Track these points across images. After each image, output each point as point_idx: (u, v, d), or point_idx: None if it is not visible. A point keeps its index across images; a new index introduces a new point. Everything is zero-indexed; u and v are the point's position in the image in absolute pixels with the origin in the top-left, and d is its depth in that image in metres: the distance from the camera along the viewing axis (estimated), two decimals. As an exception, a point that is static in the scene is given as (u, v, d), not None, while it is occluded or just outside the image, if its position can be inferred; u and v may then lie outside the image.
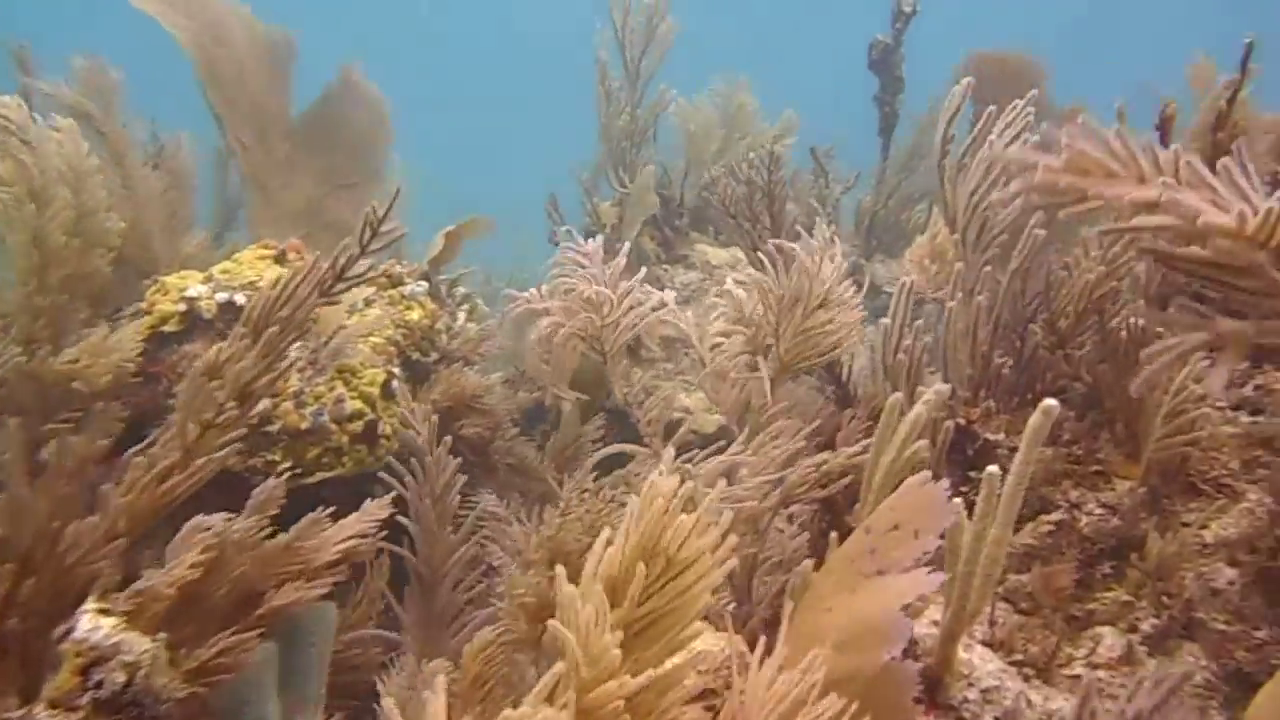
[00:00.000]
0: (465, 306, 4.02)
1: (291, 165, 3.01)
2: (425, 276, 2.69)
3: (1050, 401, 1.02)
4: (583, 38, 4.47)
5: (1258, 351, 1.33)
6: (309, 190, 3.07)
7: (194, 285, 2.06)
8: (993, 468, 1.00)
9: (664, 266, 4.13)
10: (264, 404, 1.80)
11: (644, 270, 4.06)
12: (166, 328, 2.00)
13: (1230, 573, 1.33)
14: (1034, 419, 1.02)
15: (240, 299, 2.00)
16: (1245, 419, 1.36)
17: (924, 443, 1.23)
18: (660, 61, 4.38)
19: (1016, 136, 1.46)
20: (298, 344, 1.95)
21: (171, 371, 1.96)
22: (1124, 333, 1.29)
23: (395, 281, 2.34)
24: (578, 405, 3.33)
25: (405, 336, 2.27)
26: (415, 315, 2.31)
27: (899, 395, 1.23)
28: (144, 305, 2.04)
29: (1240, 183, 0.70)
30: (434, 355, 2.34)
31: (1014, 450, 1.27)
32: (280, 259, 2.20)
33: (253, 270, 2.13)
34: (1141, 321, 1.34)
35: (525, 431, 3.91)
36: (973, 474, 1.34)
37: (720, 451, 1.53)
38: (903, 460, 1.17)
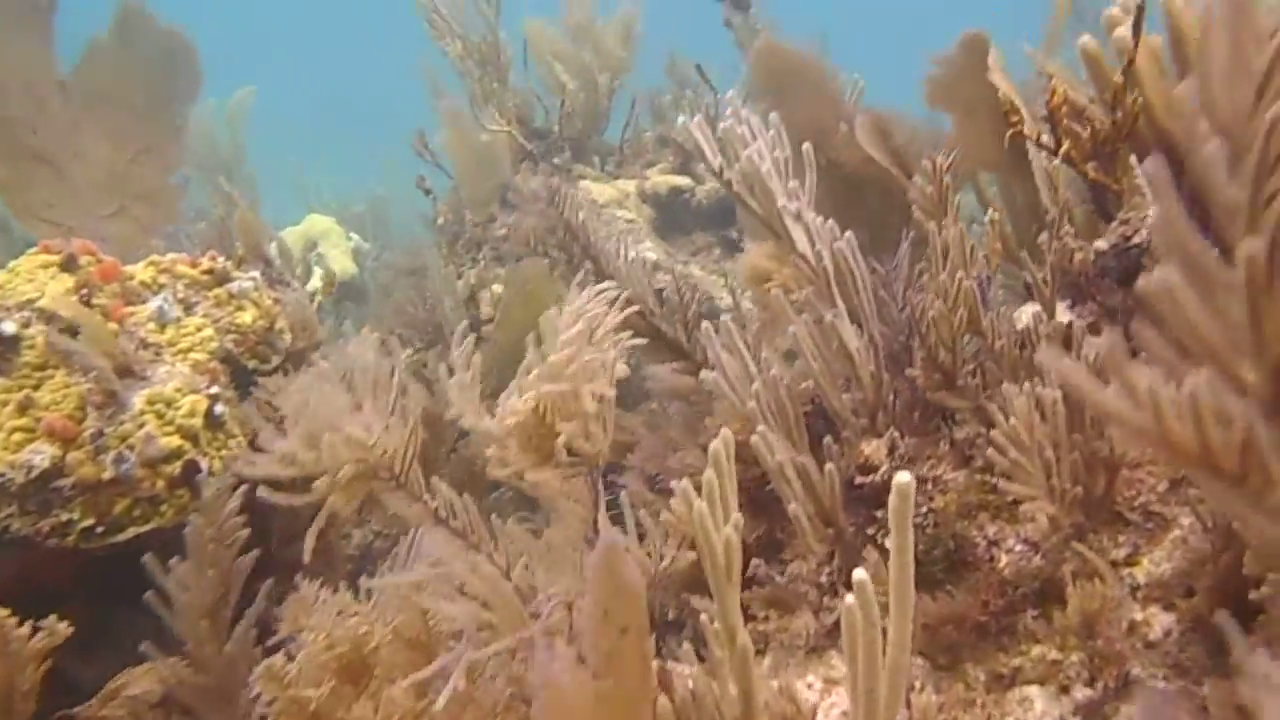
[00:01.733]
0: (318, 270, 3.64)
1: (77, 129, 2.57)
2: (265, 259, 2.35)
3: (904, 476, 0.82)
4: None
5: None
6: (106, 156, 2.64)
7: (-43, 307, 1.70)
8: (850, 599, 0.80)
9: (547, 210, 3.81)
10: (40, 456, 1.50)
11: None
12: (-78, 364, 1.64)
13: (1166, 619, 1.19)
14: (892, 501, 0.82)
15: (11, 327, 1.65)
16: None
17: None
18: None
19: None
20: (90, 373, 1.64)
21: (-66, 418, 1.61)
22: (1013, 348, 1.10)
23: (220, 278, 2.00)
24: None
25: (237, 343, 1.95)
26: (248, 317, 1.99)
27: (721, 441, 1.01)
28: (-107, 336, 1.67)
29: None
30: (275, 360, 2.03)
31: (929, 483, 1.10)
32: (68, 265, 1.83)
33: (32, 284, 1.77)
34: (1030, 326, 1.16)
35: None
36: (879, 513, 1.15)
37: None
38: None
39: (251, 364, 1.98)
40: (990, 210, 1.38)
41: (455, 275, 3.60)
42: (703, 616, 0.95)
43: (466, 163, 3.70)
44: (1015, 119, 1.21)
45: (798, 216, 1.22)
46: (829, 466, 0.97)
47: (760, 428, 1.10)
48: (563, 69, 4.01)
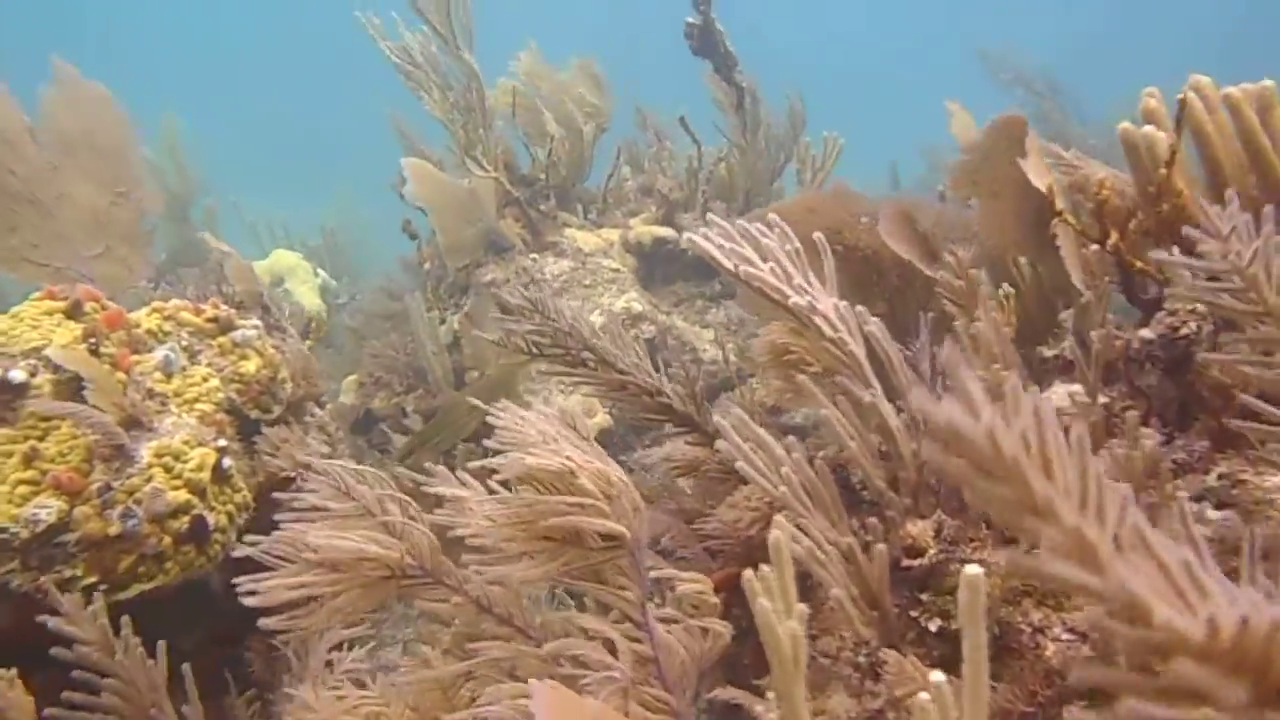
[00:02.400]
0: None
1: (57, 171, 2.54)
2: (262, 305, 2.33)
3: (974, 569, 0.84)
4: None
5: (1219, 433, 1.20)
6: (89, 198, 2.61)
7: (-42, 352, 1.66)
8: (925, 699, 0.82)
9: (532, 256, 3.85)
10: (45, 511, 1.47)
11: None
12: (-78, 411, 1.59)
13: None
14: (963, 596, 0.84)
15: (19, 375, 1.61)
16: (1212, 514, 1.22)
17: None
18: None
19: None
20: (97, 423, 1.62)
21: (-68, 468, 1.57)
22: None
23: (224, 326, 1.98)
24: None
25: (241, 393, 1.93)
26: (251, 366, 1.97)
27: (780, 530, 1.04)
28: (-109, 381, 1.62)
29: (1197, 570, 0.49)
30: (276, 410, 2.01)
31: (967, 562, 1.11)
32: (74, 312, 1.81)
33: (37, 331, 1.74)
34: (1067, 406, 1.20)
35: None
36: (924, 595, 1.16)
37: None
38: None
39: (254, 414, 1.95)
40: (1004, 286, 1.43)
41: (439, 320, 3.60)
42: (759, 708, 0.96)
43: (444, 210, 3.71)
44: (1059, 211, 1.27)
45: (812, 309, 1.25)
46: (880, 548, 1.00)
47: (783, 513, 1.11)
48: (550, 117, 4.05)
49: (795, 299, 1.18)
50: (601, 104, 4.20)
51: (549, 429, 1.07)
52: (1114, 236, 1.22)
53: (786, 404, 1.61)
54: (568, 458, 1.01)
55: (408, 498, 1.13)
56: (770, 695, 1.00)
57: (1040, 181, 1.29)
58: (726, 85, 3.87)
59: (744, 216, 4.03)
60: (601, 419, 3.55)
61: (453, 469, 2.32)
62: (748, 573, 0.88)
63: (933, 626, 1.04)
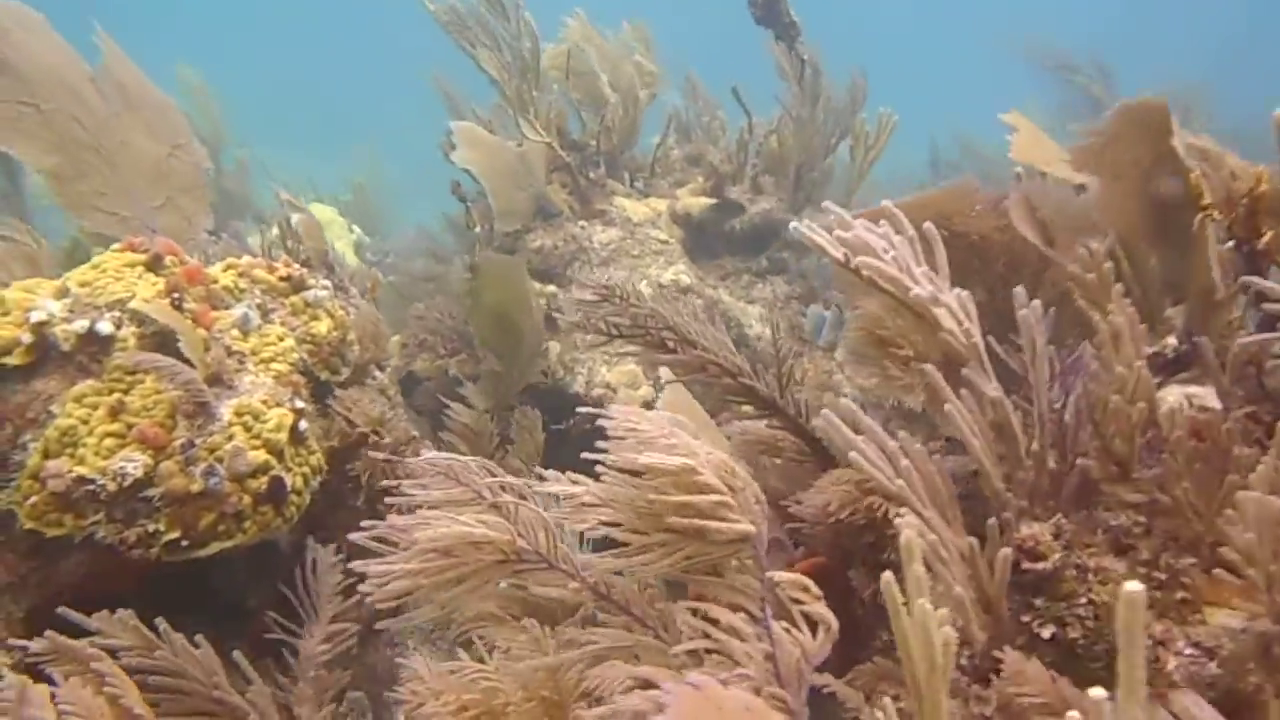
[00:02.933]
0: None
1: (119, 119, 2.54)
2: (328, 265, 2.33)
3: (1134, 585, 0.83)
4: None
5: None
6: (149, 149, 2.61)
7: (44, 301, 1.66)
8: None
9: (580, 223, 3.82)
10: (133, 465, 1.47)
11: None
12: (8, 360, 1.60)
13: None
14: (1122, 614, 0.82)
15: (106, 327, 1.62)
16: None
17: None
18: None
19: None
20: (182, 379, 1.62)
21: (19, 415, 1.58)
22: (1197, 439, 1.12)
23: (296, 286, 1.98)
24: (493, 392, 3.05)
25: (312, 354, 1.93)
26: (323, 328, 1.96)
27: (913, 531, 1.03)
28: (-23, 328, 1.63)
29: None
30: (344, 372, 2.01)
31: (1090, 573, 1.08)
32: (154, 265, 1.80)
33: (121, 283, 1.73)
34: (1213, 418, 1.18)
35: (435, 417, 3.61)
36: (1038, 601, 1.12)
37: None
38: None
39: (324, 375, 1.95)
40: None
41: (487, 284, 3.58)
42: (877, 714, 0.95)
43: (496, 174, 3.68)
44: (1205, 206, 1.24)
45: (935, 300, 1.23)
46: (1005, 552, 0.99)
47: (906, 512, 1.10)
48: (606, 81, 4.01)
49: (917, 290, 1.16)
50: (654, 70, 4.15)
51: (663, 426, 1.06)
52: (1268, 235, 1.19)
53: (876, 389, 1.59)
54: (693, 453, 1.00)
55: (520, 480, 1.12)
56: (885, 701, 0.99)
57: (1192, 180, 1.26)
58: (789, 55, 3.81)
59: (852, 209, 3.99)
60: (646, 391, 3.54)
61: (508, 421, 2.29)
62: (888, 577, 0.87)
63: (1045, 633, 1.03)
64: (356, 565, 1.04)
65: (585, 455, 1.06)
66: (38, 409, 1.58)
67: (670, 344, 1.75)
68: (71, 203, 2.35)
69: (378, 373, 2.25)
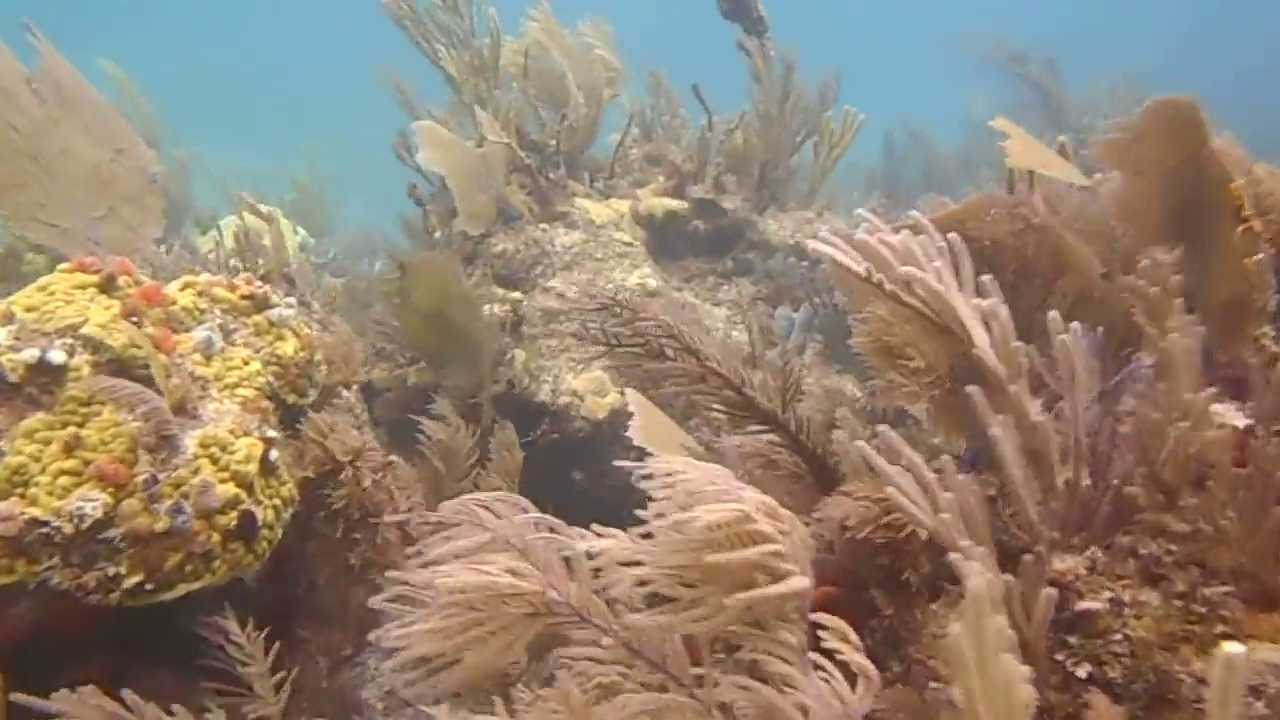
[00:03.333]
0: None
1: (57, 125, 2.39)
2: (289, 279, 2.21)
3: (1235, 647, 0.80)
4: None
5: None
6: (90, 155, 2.46)
7: (-14, 329, 1.53)
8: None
9: (541, 226, 3.74)
10: (91, 504, 1.37)
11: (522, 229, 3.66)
12: (-50, 393, 1.47)
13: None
14: (1219, 677, 0.79)
15: (59, 356, 1.50)
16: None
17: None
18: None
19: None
20: (139, 408, 1.51)
21: (-38, 455, 1.45)
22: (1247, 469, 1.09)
23: (259, 304, 1.87)
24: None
25: (279, 376, 1.83)
26: (289, 348, 1.86)
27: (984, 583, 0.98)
28: (-88, 359, 1.49)
29: None
30: (312, 394, 1.91)
31: (1126, 608, 1.03)
32: (106, 287, 1.68)
33: (71, 307, 1.61)
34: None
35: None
36: (1072, 639, 1.06)
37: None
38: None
39: (291, 399, 1.85)
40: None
41: (448, 290, 3.48)
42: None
43: (460, 176, 3.57)
44: (1246, 217, 1.21)
45: (989, 314, 1.17)
46: (1049, 593, 0.95)
47: (960, 547, 1.05)
48: (571, 80, 3.92)
49: (962, 308, 1.11)
50: (618, 67, 4.08)
51: (705, 472, 0.99)
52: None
53: (886, 399, 1.55)
54: (742, 501, 0.94)
55: (552, 520, 1.05)
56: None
57: (1234, 189, 1.23)
58: (759, 50, 3.76)
59: (815, 206, 3.87)
60: (613, 398, 3.48)
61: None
62: (958, 631, 0.81)
63: (1081, 672, 1.00)
64: (373, 636, 0.96)
65: (638, 513, 0.98)
66: (-18, 446, 1.45)
67: (669, 353, 1.69)
68: (12, 213, 2.20)
69: (345, 392, 2.15)
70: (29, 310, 1.59)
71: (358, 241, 7.89)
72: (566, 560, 1.03)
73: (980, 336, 1.12)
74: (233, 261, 2.42)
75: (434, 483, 2.26)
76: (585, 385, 3.45)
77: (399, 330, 3.26)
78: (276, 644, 1.84)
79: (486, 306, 3.48)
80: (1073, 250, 1.36)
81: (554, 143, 3.99)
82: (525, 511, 1.05)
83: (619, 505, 3.48)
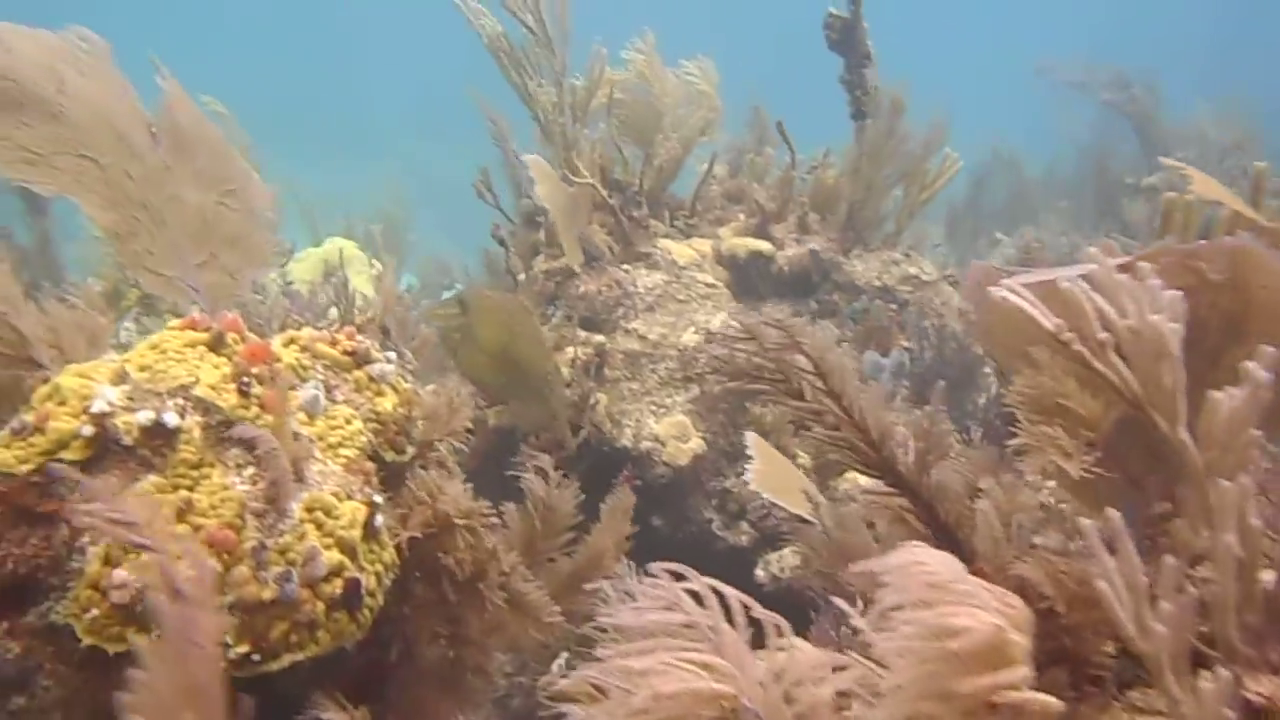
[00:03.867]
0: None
1: (168, 172, 2.42)
2: (384, 329, 2.21)
3: None
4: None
5: None
6: (197, 200, 2.48)
7: (102, 389, 1.54)
8: None
9: (624, 267, 3.71)
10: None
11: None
12: (65, 454, 1.48)
13: None
14: None
15: (173, 418, 1.50)
16: None
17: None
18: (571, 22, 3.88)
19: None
20: (248, 471, 1.50)
21: (75, 514, 1.46)
22: None
23: (360, 360, 1.86)
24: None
25: (378, 433, 1.81)
26: (388, 404, 1.84)
27: None
28: (31, 418, 1.51)
29: None
30: (410, 451, 1.89)
31: None
32: (216, 345, 1.69)
33: (183, 365, 1.62)
34: None
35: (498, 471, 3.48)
36: None
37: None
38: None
39: (389, 456, 1.83)
40: None
41: (532, 332, 3.46)
42: None
43: (561, 213, 3.57)
44: None
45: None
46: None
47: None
48: (667, 120, 3.90)
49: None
50: (717, 108, 4.04)
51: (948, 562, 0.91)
52: None
53: (1033, 461, 1.45)
54: (985, 603, 0.85)
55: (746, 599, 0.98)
56: None
57: None
58: (855, 92, 3.69)
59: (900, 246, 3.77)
60: (695, 444, 3.43)
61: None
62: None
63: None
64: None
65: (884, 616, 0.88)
66: (96, 510, 1.45)
67: (806, 394, 1.61)
68: (129, 261, 2.25)
69: (439, 445, 2.13)
70: (141, 370, 1.60)
71: (433, 271, 7.96)
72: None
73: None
74: (332, 310, 2.43)
75: (528, 540, 2.21)
76: (667, 430, 3.40)
77: (459, 368, 3.17)
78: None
79: (569, 349, 3.46)
80: (1258, 313, 1.25)
81: (638, 182, 3.97)
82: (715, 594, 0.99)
83: (700, 552, 3.43)
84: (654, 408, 3.42)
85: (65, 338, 1.80)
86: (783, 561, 3.24)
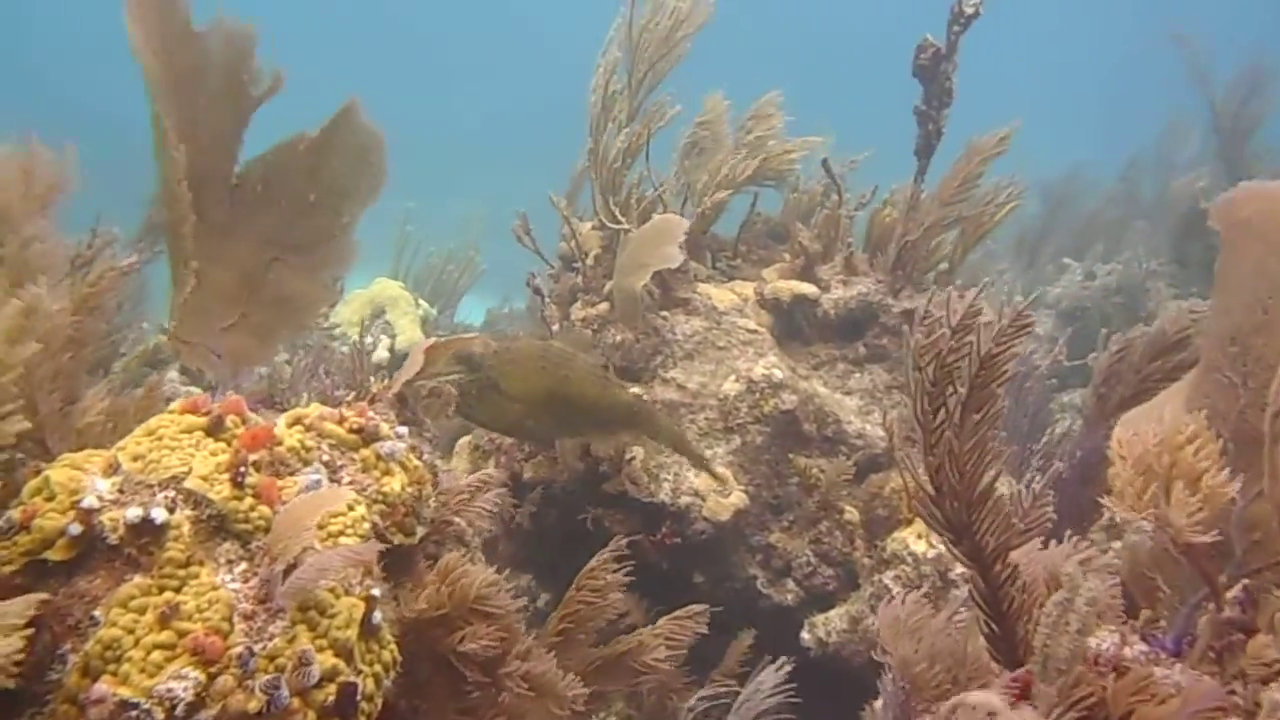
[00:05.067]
0: (385, 341, 3.39)
1: (228, 231, 2.37)
2: (401, 398, 2.13)
3: None
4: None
5: None
6: (245, 260, 2.43)
7: (93, 481, 1.48)
8: None
9: (662, 314, 3.60)
10: (183, 685, 1.27)
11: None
12: (51, 553, 1.42)
13: None
14: None
15: (160, 514, 1.43)
16: None
17: None
18: (670, 65, 3.80)
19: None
20: (240, 568, 1.42)
21: (58, 621, 1.39)
22: None
23: (368, 438, 1.78)
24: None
25: (384, 515, 1.72)
26: (396, 485, 1.76)
27: None
28: (18, 514, 1.45)
29: None
30: (420, 532, 1.80)
31: None
32: (215, 429, 1.62)
33: (177, 454, 1.55)
34: None
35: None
36: None
37: None
38: None
39: (397, 539, 1.74)
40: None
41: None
42: None
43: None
44: None
45: None
46: None
47: None
48: (692, 164, 3.81)
49: None
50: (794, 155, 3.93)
51: None
52: None
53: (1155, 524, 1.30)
54: None
55: None
56: None
57: None
58: (926, 125, 3.53)
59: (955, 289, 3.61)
60: (737, 498, 3.28)
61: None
62: None
63: None
64: None
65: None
66: (79, 613, 1.39)
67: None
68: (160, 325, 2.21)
69: (457, 519, 2.04)
70: (135, 460, 1.54)
71: (488, 322, 7.86)
72: None
73: None
74: (353, 336, 2.36)
75: (577, 620, 2.07)
76: (707, 484, 3.27)
77: (481, 424, 2.96)
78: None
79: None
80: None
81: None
82: None
83: (742, 609, 3.24)
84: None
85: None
86: (830, 625, 3.07)
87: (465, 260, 8.13)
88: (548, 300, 3.69)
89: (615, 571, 2.00)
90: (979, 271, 4.38)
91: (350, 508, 1.64)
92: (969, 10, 3.30)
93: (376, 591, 1.54)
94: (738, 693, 2.75)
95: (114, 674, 1.32)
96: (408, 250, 8.00)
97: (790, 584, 3.25)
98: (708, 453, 3.29)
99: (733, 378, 3.42)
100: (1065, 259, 8.20)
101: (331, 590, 1.49)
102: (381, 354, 6.18)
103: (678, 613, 2.11)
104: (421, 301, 6.96)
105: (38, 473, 1.52)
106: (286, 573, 1.45)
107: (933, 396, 1.40)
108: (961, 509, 1.46)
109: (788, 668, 2.68)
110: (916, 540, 2.94)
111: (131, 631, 1.35)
